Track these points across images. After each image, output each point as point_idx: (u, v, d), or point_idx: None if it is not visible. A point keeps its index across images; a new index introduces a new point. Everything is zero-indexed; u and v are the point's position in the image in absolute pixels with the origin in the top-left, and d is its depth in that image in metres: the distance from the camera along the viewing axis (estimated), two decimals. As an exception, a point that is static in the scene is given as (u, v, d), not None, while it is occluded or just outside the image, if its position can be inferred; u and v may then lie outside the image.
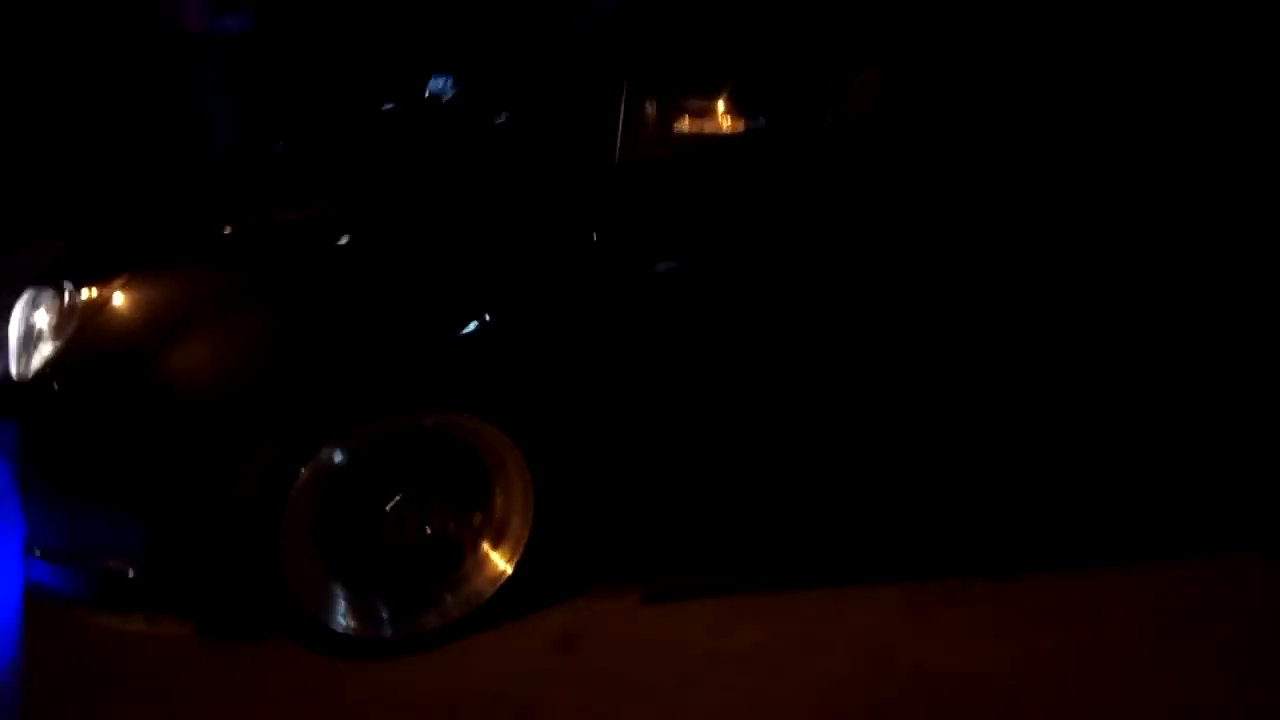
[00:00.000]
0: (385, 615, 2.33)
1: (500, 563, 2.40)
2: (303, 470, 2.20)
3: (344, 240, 2.25)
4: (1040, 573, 2.57)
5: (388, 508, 2.33)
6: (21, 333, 2.23)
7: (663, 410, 2.38)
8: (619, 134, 2.23)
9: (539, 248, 2.29)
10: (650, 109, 2.23)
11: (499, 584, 2.39)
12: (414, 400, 2.28)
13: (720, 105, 2.25)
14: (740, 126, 2.25)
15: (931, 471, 2.56)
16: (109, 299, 2.18)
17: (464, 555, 2.40)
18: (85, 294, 2.18)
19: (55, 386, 2.19)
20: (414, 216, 2.28)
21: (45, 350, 2.19)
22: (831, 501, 2.58)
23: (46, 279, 2.24)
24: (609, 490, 2.43)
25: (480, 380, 2.28)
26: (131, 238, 2.41)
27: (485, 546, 2.41)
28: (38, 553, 2.32)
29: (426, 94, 2.85)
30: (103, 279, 2.19)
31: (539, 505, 2.37)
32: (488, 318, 2.26)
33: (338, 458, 2.25)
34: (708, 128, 2.26)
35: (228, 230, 2.30)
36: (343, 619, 2.28)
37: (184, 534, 2.21)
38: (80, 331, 2.18)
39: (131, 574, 2.25)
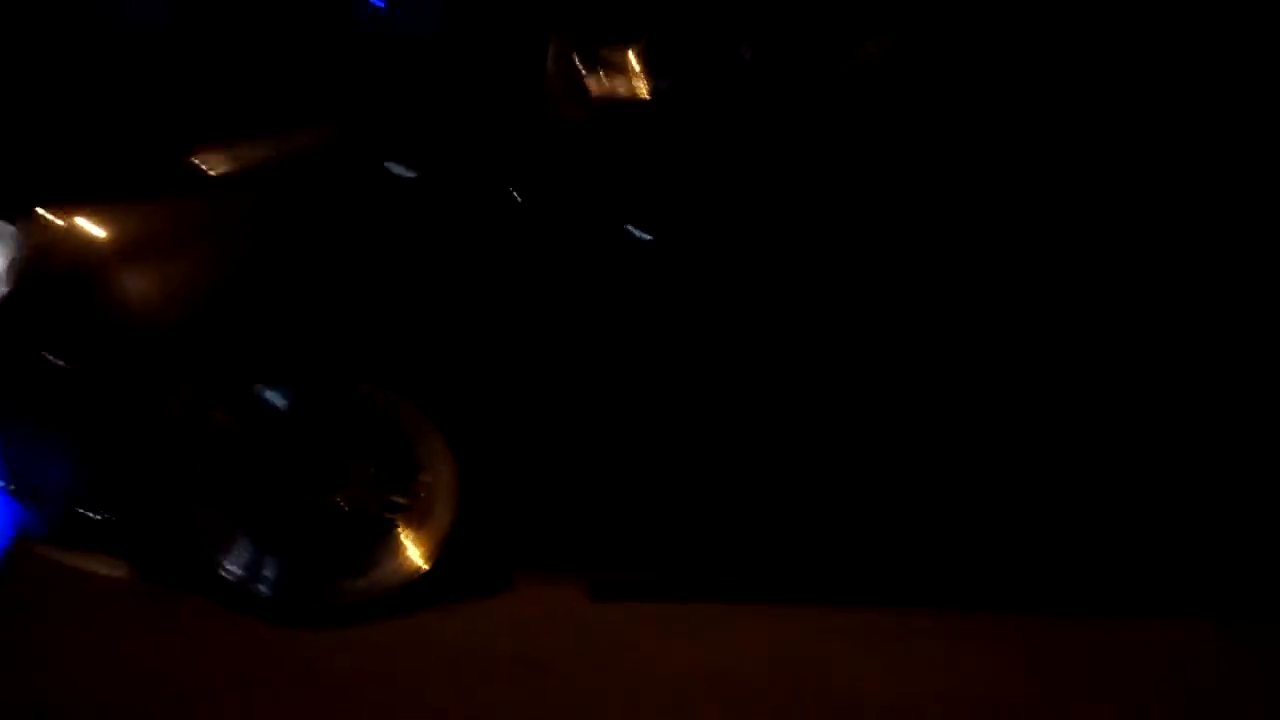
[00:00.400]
0: (272, 575, 2.23)
1: (415, 552, 2.24)
2: (215, 414, 2.15)
3: (272, 191, 2.17)
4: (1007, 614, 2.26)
5: (305, 472, 2.24)
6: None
7: (594, 397, 2.15)
8: (545, 90, 2.01)
9: (460, 213, 2.11)
10: (578, 65, 2.00)
11: (411, 574, 2.23)
12: (323, 367, 2.16)
13: (647, 65, 1.97)
14: (669, 87, 1.97)
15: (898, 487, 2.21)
16: (55, 233, 2.21)
17: (382, 536, 2.26)
18: (34, 228, 2.22)
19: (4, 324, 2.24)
20: (344, 170, 2.17)
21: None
22: (787, 506, 2.27)
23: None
24: (542, 478, 2.23)
25: (396, 352, 2.13)
26: (91, 169, 2.42)
27: (406, 531, 2.26)
28: (8, 488, 2.40)
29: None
30: (53, 212, 2.21)
31: (463, 492, 2.20)
32: (406, 284, 2.11)
33: (256, 410, 2.19)
34: (634, 89, 1.99)
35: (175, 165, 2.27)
36: (234, 569, 2.21)
37: (113, 471, 2.20)
38: (24, 267, 2.21)
39: (79, 512, 2.29)
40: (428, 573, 2.23)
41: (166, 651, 2.18)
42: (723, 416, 2.20)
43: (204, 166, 2.24)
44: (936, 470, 2.23)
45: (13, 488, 2.37)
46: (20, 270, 2.21)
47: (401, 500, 2.26)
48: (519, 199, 2.05)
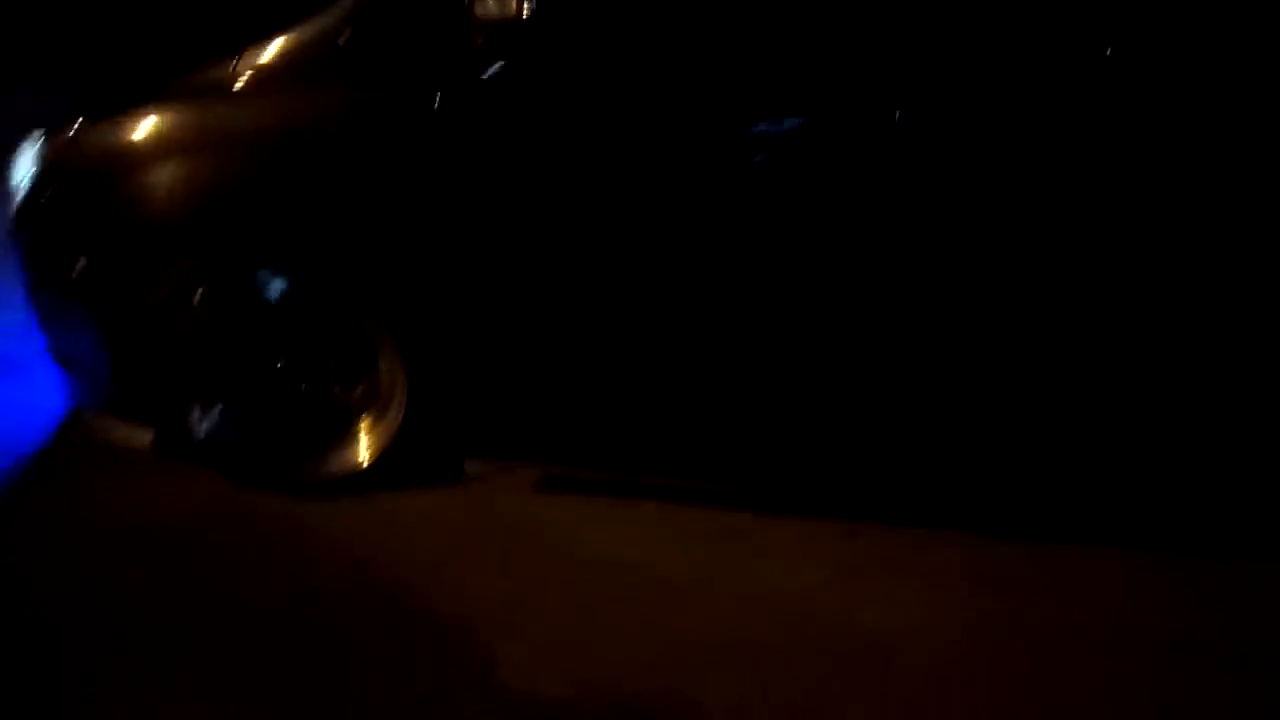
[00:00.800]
0: (236, 440, 2.50)
1: (370, 440, 2.45)
2: (201, 290, 2.39)
3: (238, 101, 2.35)
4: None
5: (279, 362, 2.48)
6: (17, 173, 2.59)
7: (530, 297, 2.26)
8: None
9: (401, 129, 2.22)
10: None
11: (365, 461, 2.45)
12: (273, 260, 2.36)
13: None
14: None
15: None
16: (72, 141, 2.48)
17: (345, 425, 2.48)
18: (53, 138, 2.49)
19: (35, 215, 2.53)
20: (294, 85, 2.31)
21: (25, 187, 2.53)
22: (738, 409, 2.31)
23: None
24: (489, 378, 2.37)
25: (335, 256, 2.30)
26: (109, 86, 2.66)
27: (365, 421, 2.46)
28: (54, 357, 2.74)
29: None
30: (66, 124, 2.49)
31: (412, 388, 2.37)
32: (354, 196, 2.26)
33: (229, 292, 2.42)
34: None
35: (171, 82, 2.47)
36: (206, 431, 2.50)
37: (124, 346, 2.49)
38: (48, 169, 2.50)
39: (106, 383, 2.60)
40: (381, 459, 2.44)
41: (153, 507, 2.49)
42: (659, 313, 2.25)
43: (215, 78, 2.43)
44: (897, 383, 2.22)
45: (57, 360, 2.72)
46: (44, 170, 2.49)
47: (358, 391, 2.46)
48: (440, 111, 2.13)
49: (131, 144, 2.43)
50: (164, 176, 2.40)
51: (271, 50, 2.32)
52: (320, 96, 2.28)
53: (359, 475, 2.45)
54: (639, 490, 2.46)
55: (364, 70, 2.23)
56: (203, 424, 2.49)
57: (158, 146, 2.41)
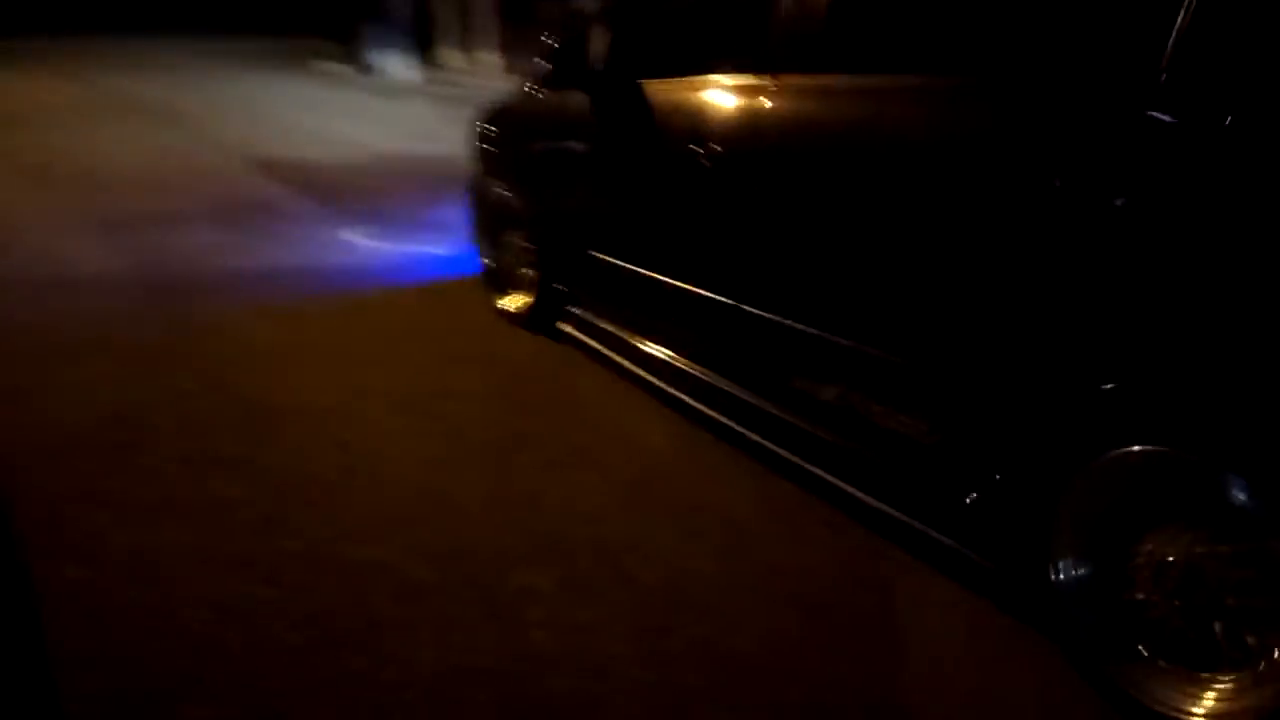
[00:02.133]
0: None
1: (519, 302, 4.13)
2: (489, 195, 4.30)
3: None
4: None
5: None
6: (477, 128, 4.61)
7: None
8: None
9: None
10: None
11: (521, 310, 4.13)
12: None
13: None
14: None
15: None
16: (491, 110, 4.46)
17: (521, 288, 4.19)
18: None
19: (474, 149, 4.57)
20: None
21: (476, 133, 4.55)
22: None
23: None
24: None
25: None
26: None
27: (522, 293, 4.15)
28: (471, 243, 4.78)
29: None
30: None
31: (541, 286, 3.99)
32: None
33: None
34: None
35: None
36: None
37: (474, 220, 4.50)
38: (481, 127, 4.51)
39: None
40: (530, 313, 4.08)
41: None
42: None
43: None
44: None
45: (472, 243, 4.76)
46: (481, 127, 4.52)
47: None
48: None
49: (502, 118, 4.34)
50: (501, 141, 4.26)
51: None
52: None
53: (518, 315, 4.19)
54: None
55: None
56: (485, 257, 4.45)
57: (503, 121, 4.30)
